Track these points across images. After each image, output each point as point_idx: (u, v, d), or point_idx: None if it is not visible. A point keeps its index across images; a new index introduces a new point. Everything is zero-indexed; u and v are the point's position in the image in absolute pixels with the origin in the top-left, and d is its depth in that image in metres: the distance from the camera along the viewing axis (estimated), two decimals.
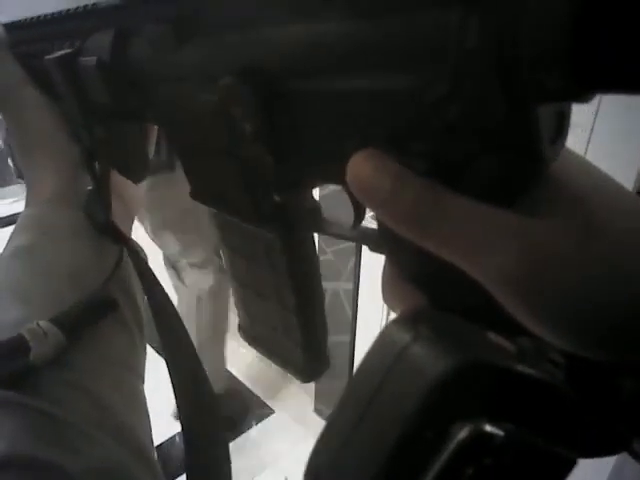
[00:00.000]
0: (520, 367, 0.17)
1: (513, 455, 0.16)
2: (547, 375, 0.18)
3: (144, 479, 0.35)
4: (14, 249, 0.40)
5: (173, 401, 0.42)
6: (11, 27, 0.44)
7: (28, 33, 0.43)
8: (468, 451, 0.16)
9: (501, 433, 0.16)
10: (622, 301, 0.18)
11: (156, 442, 0.42)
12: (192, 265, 1.67)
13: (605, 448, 0.19)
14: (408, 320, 0.19)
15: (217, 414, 0.44)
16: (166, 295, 0.44)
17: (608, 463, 0.77)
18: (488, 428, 0.16)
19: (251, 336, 0.43)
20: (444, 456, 0.16)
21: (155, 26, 0.32)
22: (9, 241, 0.41)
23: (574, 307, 0.18)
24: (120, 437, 0.36)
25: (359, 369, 0.19)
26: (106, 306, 0.40)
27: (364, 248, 0.32)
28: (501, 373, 0.17)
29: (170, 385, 0.42)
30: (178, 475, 1.50)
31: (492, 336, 0.19)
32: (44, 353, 0.34)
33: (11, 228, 0.43)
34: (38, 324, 0.35)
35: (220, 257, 1.86)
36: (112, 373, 0.39)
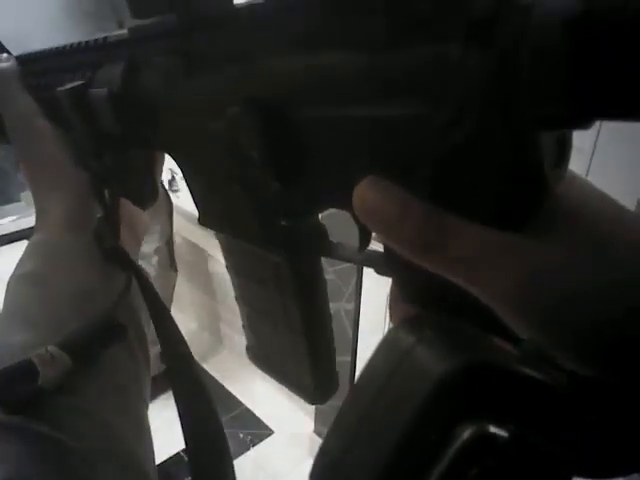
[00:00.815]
0: (523, 369, 0.17)
1: (516, 457, 0.16)
2: (550, 377, 0.18)
3: None
4: (22, 274, 0.40)
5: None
6: (23, 59, 0.45)
7: (39, 65, 0.44)
8: (471, 452, 0.16)
9: (505, 434, 0.16)
10: (622, 319, 0.18)
11: (158, 460, 0.42)
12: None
13: (615, 468, 0.19)
14: (412, 323, 0.19)
15: (223, 436, 0.44)
16: (173, 321, 0.44)
17: None
18: (492, 429, 0.16)
19: (259, 358, 0.43)
20: (447, 457, 0.16)
21: (164, 58, 0.33)
22: (17, 267, 0.41)
23: (574, 327, 0.18)
24: (123, 463, 0.36)
25: (363, 371, 0.19)
26: (114, 332, 0.40)
27: (365, 269, 0.33)
28: (504, 375, 0.17)
29: (172, 400, 0.42)
30: None
31: (495, 339, 0.19)
32: (52, 378, 0.34)
33: (13, 245, 0.43)
34: (47, 349, 0.35)
35: (170, 248, 1.92)
36: (118, 399, 0.39)
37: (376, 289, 1.35)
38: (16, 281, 0.41)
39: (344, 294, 1.46)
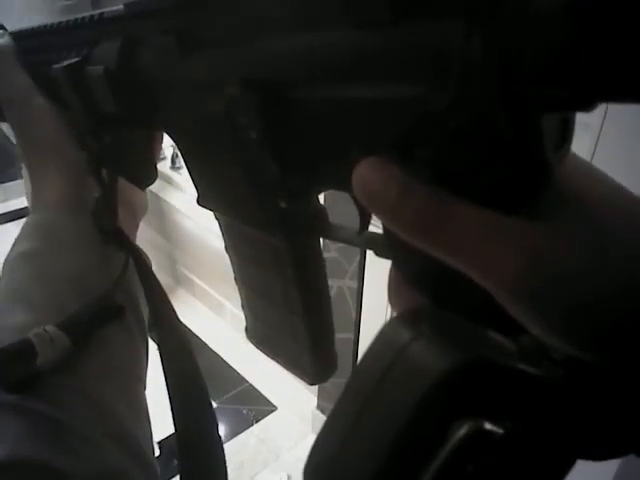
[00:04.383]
0: (520, 365, 0.17)
1: (513, 453, 0.16)
2: (547, 373, 0.18)
3: None
4: (19, 254, 0.40)
5: None
6: (18, 36, 0.44)
7: (36, 42, 0.43)
8: (468, 449, 0.16)
9: (501, 431, 0.16)
10: (621, 301, 0.18)
11: (159, 438, 0.42)
12: None
13: (612, 450, 0.19)
14: (409, 318, 0.19)
15: (212, 416, 0.44)
16: (168, 302, 0.44)
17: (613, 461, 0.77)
18: (488, 426, 0.16)
19: (258, 338, 0.43)
20: (444, 453, 0.16)
21: (160, 36, 0.32)
22: (13, 246, 0.41)
23: (572, 311, 0.18)
24: (122, 443, 0.36)
25: (359, 366, 0.19)
26: (112, 312, 0.40)
27: None
28: (501, 371, 0.17)
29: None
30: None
31: (492, 334, 0.19)
32: (50, 358, 0.34)
33: (11, 224, 0.42)
34: (45, 329, 0.35)
35: None
36: (116, 379, 0.39)
37: (379, 266, 1.35)
38: (13, 260, 0.40)
39: (347, 272, 1.46)
